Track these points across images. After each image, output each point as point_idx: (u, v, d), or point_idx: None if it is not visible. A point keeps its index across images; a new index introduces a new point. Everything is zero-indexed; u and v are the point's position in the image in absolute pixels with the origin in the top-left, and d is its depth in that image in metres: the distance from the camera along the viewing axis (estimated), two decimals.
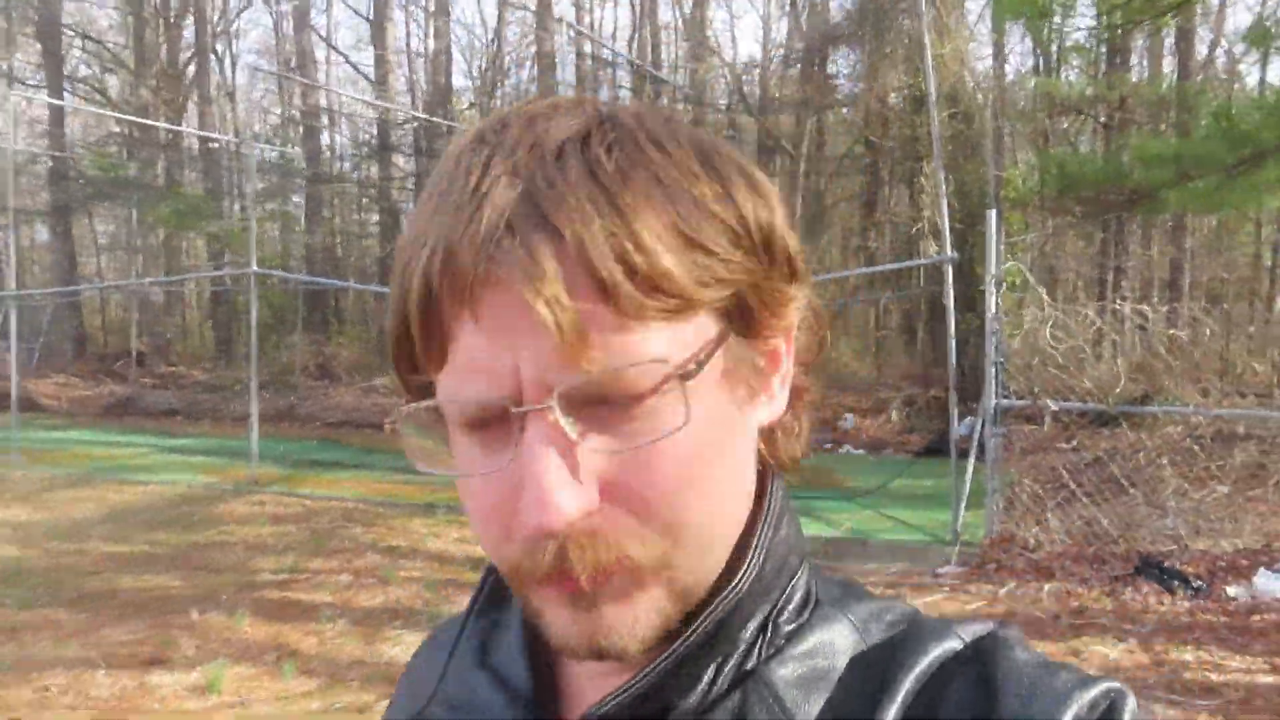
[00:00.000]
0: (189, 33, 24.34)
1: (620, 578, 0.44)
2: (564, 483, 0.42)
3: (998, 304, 6.04)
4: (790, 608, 0.50)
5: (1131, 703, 0.45)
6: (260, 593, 5.43)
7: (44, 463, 10.08)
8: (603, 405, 0.43)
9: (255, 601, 5.23)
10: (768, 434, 0.52)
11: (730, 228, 0.45)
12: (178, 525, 7.19)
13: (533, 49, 21.82)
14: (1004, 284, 6.16)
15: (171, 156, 21.69)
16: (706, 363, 0.44)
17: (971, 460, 6.26)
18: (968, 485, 6.18)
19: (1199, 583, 5.01)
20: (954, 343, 6.18)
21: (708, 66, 14.54)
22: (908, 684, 0.47)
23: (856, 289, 15.23)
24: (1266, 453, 6.41)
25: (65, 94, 22.66)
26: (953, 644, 0.48)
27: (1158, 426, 6.97)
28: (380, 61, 21.74)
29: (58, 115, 22.05)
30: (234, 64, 28.13)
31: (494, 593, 0.59)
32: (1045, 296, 6.19)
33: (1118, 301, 7.54)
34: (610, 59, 13.45)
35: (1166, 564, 5.14)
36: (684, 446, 0.43)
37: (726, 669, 0.48)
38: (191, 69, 24.38)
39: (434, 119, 18.37)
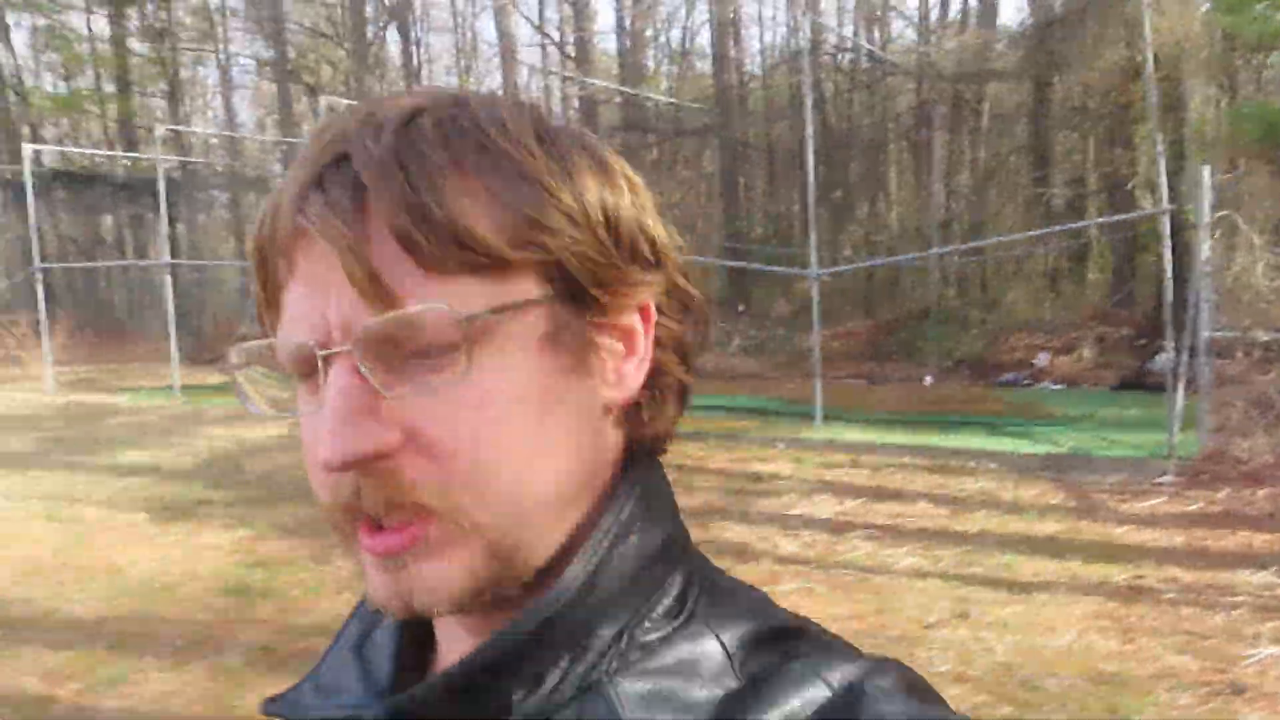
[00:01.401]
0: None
1: (431, 537, 0.44)
2: (353, 421, 0.42)
3: (1209, 249, 6.74)
4: (655, 614, 0.47)
5: None
6: None
7: None
8: (407, 357, 0.43)
9: None
10: (628, 414, 0.51)
11: (561, 201, 0.45)
12: None
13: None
14: (1217, 229, 6.83)
15: None
16: (500, 315, 0.44)
17: (1182, 388, 7.00)
18: (1179, 403, 6.93)
19: None
20: (1171, 284, 6.90)
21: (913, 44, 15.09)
22: None
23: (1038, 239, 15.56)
24: None
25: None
26: (820, 692, 0.43)
27: None
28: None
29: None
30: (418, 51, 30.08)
31: None
32: (1256, 239, 6.82)
33: None
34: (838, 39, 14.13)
35: None
36: (479, 396, 0.43)
37: (571, 676, 0.45)
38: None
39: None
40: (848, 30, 22.46)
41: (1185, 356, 7.10)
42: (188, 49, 30.35)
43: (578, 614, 0.46)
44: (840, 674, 0.44)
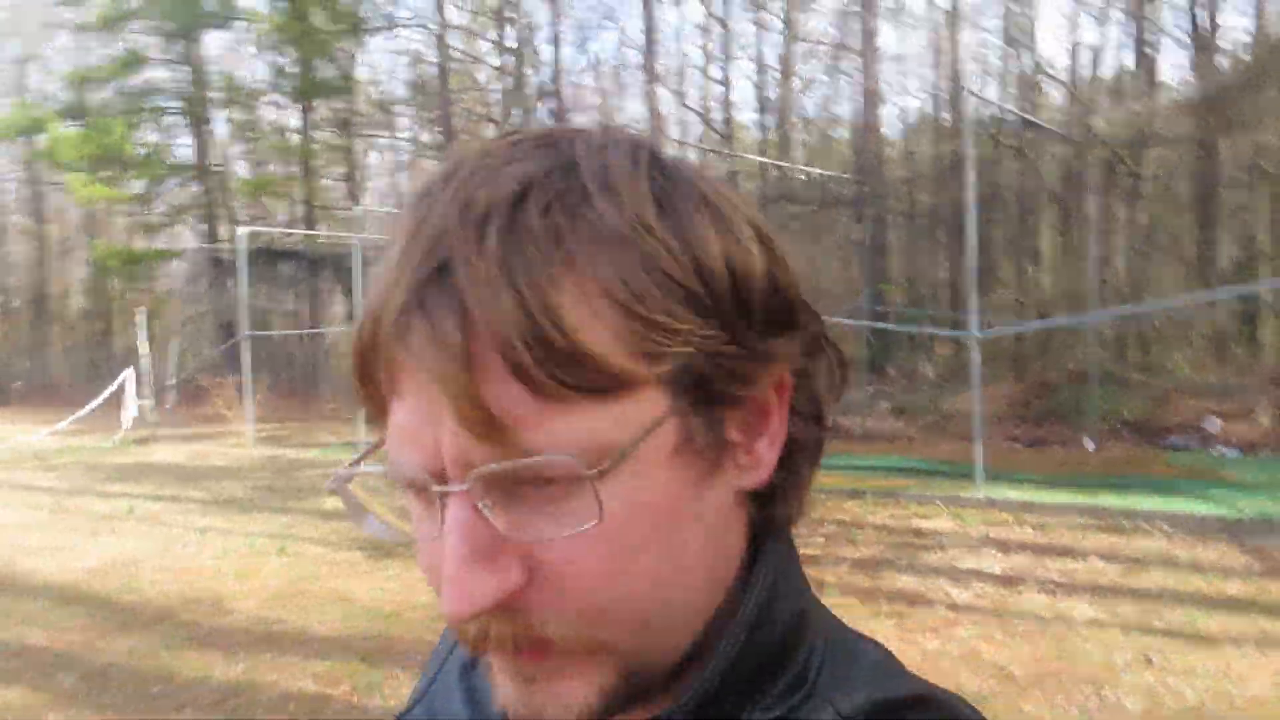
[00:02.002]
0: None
1: (555, 658, 0.43)
2: (476, 569, 0.40)
3: None
4: (775, 690, 0.46)
5: None
6: None
7: None
8: (524, 486, 0.41)
9: None
10: (758, 496, 0.48)
11: (684, 286, 0.41)
12: None
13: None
14: None
15: None
16: (632, 452, 0.41)
17: None
18: None
19: None
20: None
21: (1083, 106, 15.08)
22: None
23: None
24: None
25: None
26: None
27: None
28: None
29: None
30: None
31: None
32: None
33: None
34: (1001, 115, 14.34)
35: None
36: (605, 539, 0.41)
37: None
38: None
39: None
40: (992, 89, 22.50)
41: None
42: (364, 135, 33.07)
43: (713, 713, 0.45)
44: None
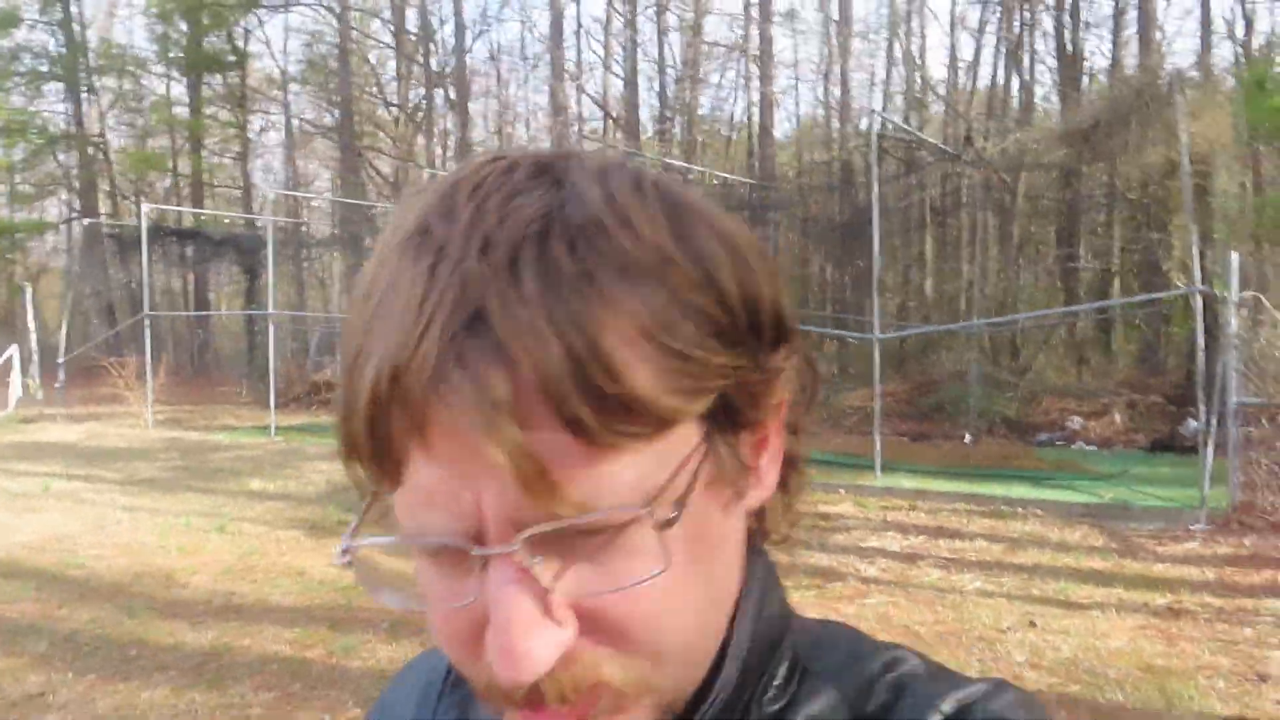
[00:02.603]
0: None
1: (601, 702, 0.42)
2: (535, 632, 0.38)
3: (1237, 324, 7.56)
4: (776, 684, 0.47)
5: None
6: None
7: None
8: (575, 537, 0.39)
9: None
10: (757, 513, 0.48)
11: (711, 317, 0.40)
12: None
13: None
14: (1245, 305, 7.66)
15: None
16: (689, 494, 0.40)
17: (1211, 447, 7.76)
18: (1208, 464, 7.70)
19: None
20: (1203, 355, 7.71)
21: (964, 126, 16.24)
22: None
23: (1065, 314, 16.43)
24: None
25: None
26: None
27: None
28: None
29: None
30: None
31: None
32: (1278, 316, 7.63)
33: None
34: (915, 140, 15.24)
35: None
36: (664, 583, 0.40)
37: None
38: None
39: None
40: (878, 99, 23.78)
41: (1214, 421, 7.87)
42: (256, 111, 32.10)
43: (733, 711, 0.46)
44: (952, 700, 0.45)
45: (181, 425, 14.67)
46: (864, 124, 23.80)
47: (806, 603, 5.31)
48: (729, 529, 0.45)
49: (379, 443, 0.39)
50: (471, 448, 0.37)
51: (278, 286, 26.08)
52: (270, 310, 14.01)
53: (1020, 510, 7.91)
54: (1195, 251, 7.60)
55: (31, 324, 16.23)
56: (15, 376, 15.67)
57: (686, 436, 0.40)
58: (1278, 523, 6.98)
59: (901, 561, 6.32)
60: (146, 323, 14.54)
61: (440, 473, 0.38)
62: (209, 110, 30.55)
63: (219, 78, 29.81)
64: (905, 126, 15.62)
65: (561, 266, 0.38)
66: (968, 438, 12.45)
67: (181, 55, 28.94)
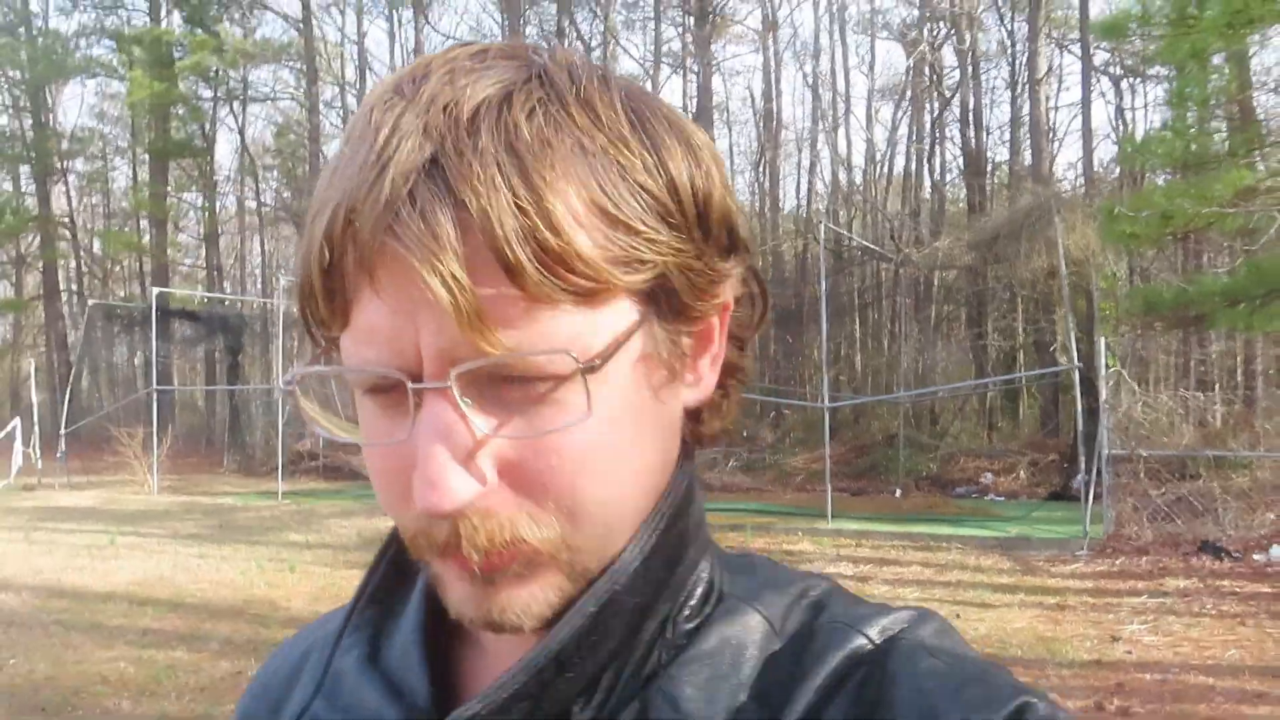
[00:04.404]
0: None
1: (517, 562, 0.42)
2: (456, 465, 0.40)
3: (1106, 392, 9.47)
4: (691, 603, 0.47)
5: (1043, 712, 0.40)
6: None
7: None
8: (504, 385, 0.40)
9: None
10: (693, 413, 0.50)
11: (659, 201, 0.42)
12: None
13: None
14: (1110, 380, 9.59)
15: None
16: (615, 352, 0.41)
17: (1091, 493, 9.58)
18: (1089, 506, 9.50)
19: (1238, 554, 8.25)
20: (1081, 419, 9.58)
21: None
22: (809, 695, 0.44)
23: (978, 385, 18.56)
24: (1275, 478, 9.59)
25: None
26: (860, 643, 0.45)
27: (1216, 466, 10.18)
28: None
29: None
30: None
31: (388, 577, 0.53)
32: (1136, 388, 9.59)
33: (1182, 390, 10.82)
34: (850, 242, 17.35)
35: (1217, 543, 8.40)
36: (587, 436, 0.41)
37: (625, 675, 0.44)
38: None
39: None
40: (803, 187, 26.23)
41: (1095, 470, 9.70)
42: (224, 194, 33.17)
43: (628, 603, 0.44)
44: (878, 626, 0.45)
45: (182, 492, 15.55)
46: (789, 207, 26.26)
47: None
48: (660, 413, 0.45)
49: (331, 282, 0.41)
50: (415, 283, 0.38)
51: (256, 363, 27.00)
52: (279, 384, 15.08)
53: (945, 544, 9.58)
54: (1073, 338, 9.54)
55: (34, 397, 17.00)
56: (17, 447, 16.39)
57: (624, 310, 0.42)
58: (1140, 547, 8.78)
59: (856, 581, 7.89)
60: (154, 396, 15.52)
61: (385, 309, 0.40)
62: (178, 194, 31.54)
63: (190, 161, 30.86)
64: (847, 233, 17.81)
65: (520, 130, 0.39)
66: (898, 492, 14.19)
67: (152, 144, 29.97)
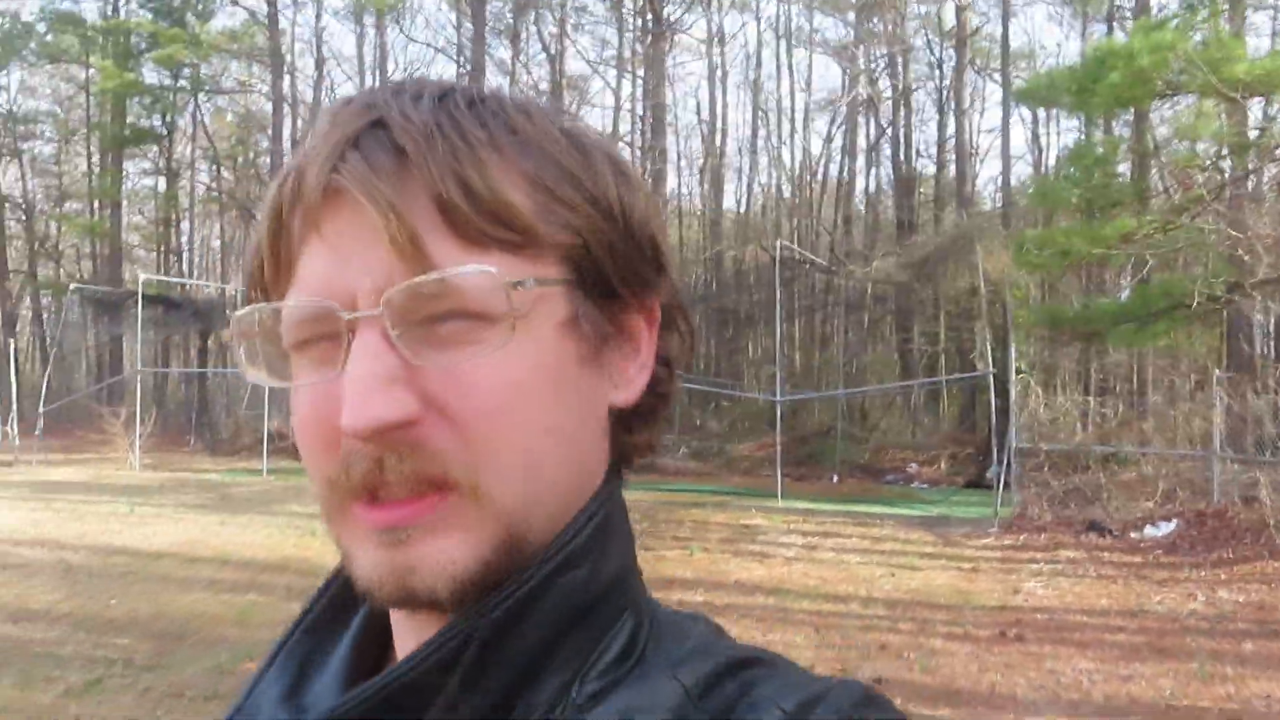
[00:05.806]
0: None
1: (442, 512, 0.41)
2: (383, 387, 0.40)
3: (1016, 395, 10.94)
4: (608, 658, 0.44)
5: None
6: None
7: None
8: (434, 322, 0.41)
9: None
10: (622, 419, 0.49)
11: (586, 189, 0.45)
12: None
13: None
14: (1019, 384, 11.07)
15: None
16: (539, 288, 0.43)
17: (1001, 480, 11.05)
18: (1000, 493, 10.98)
19: (1118, 532, 9.77)
20: (995, 418, 11.03)
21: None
22: None
23: (907, 386, 20.18)
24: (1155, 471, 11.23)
25: None
26: (773, 717, 0.40)
27: (1106, 461, 11.78)
28: None
29: None
30: None
31: (326, 611, 0.51)
32: (1040, 392, 11.08)
33: (1079, 393, 12.42)
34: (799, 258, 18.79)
35: (1102, 523, 9.92)
36: (506, 374, 0.42)
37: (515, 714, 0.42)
38: None
39: None
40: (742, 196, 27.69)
41: (1005, 462, 11.18)
42: (184, 180, 33.11)
43: (524, 629, 0.42)
44: (796, 698, 0.41)
45: (162, 469, 16.11)
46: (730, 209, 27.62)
47: (756, 570, 8.06)
48: (582, 389, 0.46)
49: (278, 246, 0.43)
50: (358, 220, 0.40)
51: (224, 347, 27.25)
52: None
53: (879, 521, 10.96)
54: (989, 346, 11.00)
55: (13, 377, 17.34)
56: None
57: (550, 266, 0.44)
58: (1040, 526, 10.27)
59: (807, 549, 9.17)
60: (139, 378, 16.07)
61: (326, 255, 0.42)
62: (136, 181, 31.44)
63: (154, 148, 30.80)
64: (798, 249, 19.23)
65: (460, 107, 0.43)
66: (835, 478, 15.62)
67: (109, 131, 29.77)
